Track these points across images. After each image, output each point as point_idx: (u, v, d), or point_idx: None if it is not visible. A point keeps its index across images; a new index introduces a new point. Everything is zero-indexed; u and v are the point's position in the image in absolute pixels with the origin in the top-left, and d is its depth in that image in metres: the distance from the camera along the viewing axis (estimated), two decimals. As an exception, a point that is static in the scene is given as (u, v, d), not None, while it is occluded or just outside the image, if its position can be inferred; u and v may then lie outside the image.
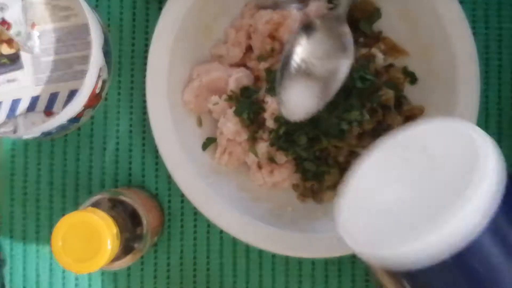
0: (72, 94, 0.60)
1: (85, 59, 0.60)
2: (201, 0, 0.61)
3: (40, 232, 0.65)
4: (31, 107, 0.60)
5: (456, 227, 0.38)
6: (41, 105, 0.60)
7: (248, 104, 0.61)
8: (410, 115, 0.61)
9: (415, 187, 0.42)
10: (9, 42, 0.60)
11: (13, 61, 0.60)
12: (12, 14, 0.60)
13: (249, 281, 0.64)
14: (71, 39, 0.60)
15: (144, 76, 0.61)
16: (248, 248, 0.64)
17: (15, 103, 0.60)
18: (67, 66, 0.60)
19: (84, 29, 0.60)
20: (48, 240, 0.64)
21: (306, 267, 0.64)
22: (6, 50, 0.60)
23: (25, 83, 0.60)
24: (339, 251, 0.59)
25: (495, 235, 0.38)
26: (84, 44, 0.60)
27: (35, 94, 0.60)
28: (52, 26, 0.60)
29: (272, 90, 0.60)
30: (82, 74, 0.60)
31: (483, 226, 0.38)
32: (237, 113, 0.61)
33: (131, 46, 0.65)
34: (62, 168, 0.65)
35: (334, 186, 0.61)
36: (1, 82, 0.60)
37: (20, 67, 0.60)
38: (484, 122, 0.63)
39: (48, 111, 0.60)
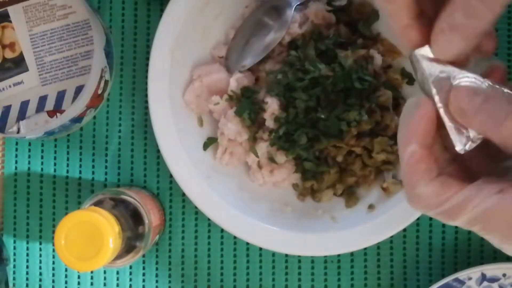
0: (78, 90, 0.60)
1: (88, 54, 0.60)
2: (202, 2, 0.61)
3: (43, 230, 0.65)
4: (40, 107, 0.61)
5: None
6: (50, 104, 0.61)
7: (248, 104, 0.61)
8: (408, 115, 0.61)
9: None
10: (12, 46, 0.61)
11: (18, 64, 0.61)
12: None
13: (249, 279, 0.64)
14: (72, 37, 0.61)
15: (145, 77, 0.61)
16: (248, 247, 0.64)
17: (24, 105, 0.61)
18: (72, 63, 0.61)
19: (84, 25, 0.61)
20: (51, 239, 0.65)
21: (306, 265, 0.64)
22: (9, 54, 0.61)
23: (31, 85, 0.61)
24: (338, 249, 0.60)
25: None
26: (86, 40, 0.61)
27: (42, 94, 0.61)
28: (52, 25, 0.61)
29: (272, 90, 0.61)
30: (87, 69, 0.60)
31: None
32: (238, 113, 0.61)
33: (133, 47, 0.65)
34: (64, 167, 0.65)
35: (333, 186, 0.62)
36: (8, 85, 0.60)
37: (25, 69, 0.61)
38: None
39: (54, 111, 0.61)
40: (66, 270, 0.65)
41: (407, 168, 0.38)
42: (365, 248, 0.63)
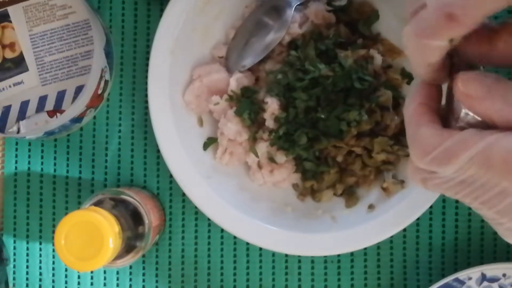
0: (78, 90, 0.60)
1: (88, 54, 0.60)
2: (202, 2, 0.61)
3: (43, 230, 0.65)
4: (40, 107, 0.60)
5: None
6: (50, 104, 0.60)
7: (248, 104, 0.61)
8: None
9: None
10: (12, 46, 0.61)
11: (18, 64, 0.61)
12: None
13: (249, 280, 0.64)
14: (72, 37, 0.61)
15: (145, 77, 0.61)
16: (248, 247, 0.64)
17: (24, 105, 0.61)
18: (72, 63, 0.61)
19: (84, 24, 0.61)
20: (51, 239, 0.65)
21: (306, 265, 0.64)
22: (9, 54, 0.61)
23: (31, 84, 0.61)
24: (338, 249, 0.60)
25: None
26: (86, 39, 0.61)
27: (42, 94, 0.61)
28: (52, 25, 0.61)
29: (272, 90, 0.61)
30: (87, 69, 0.60)
31: None
32: (238, 113, 0.61)
33: (133, 47, 0.65)
34: (64, 167, 0.65)
35: (333, 186, 0.62)
36: (8, 86, 0.60)
37: (25, 69, 0.61)
38: (481, 122, 0.64)
39: (54, 111, 0.61)
40: (66, 270, 0.65)
41: (413, 117, 0.40)
42: (365, 248, 0.63)
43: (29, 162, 0.65)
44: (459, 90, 0.37)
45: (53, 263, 0.65)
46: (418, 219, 0.59)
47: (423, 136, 0.38)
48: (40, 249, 0.65)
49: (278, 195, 0.63)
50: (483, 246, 0.63)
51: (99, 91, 0.61)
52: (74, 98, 0.60)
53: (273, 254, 0.64)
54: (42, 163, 0.65)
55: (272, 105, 0.60)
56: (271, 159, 0.61)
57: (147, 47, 0.65)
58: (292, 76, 0.60)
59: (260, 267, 0.64)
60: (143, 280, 0.65)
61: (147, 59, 0.62)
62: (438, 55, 0.38)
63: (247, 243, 0.64)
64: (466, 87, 0.37)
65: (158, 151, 0.63)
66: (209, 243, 0.65)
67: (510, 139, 0.35)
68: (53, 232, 0.64)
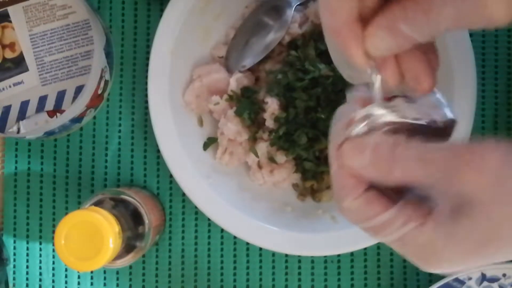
0: (78, 90, 0.60)
1: (88, 54, 0.60)
2: (202, 2, 0.61)
3: (43, 230, 0.65)
4: (40, 107, 0.61)
5: None
6: (50, 104, 0.61)
7: (248, 104, 0.61)
8: (408, 115, 0.61)
9: None
10: (12, 46, 0.61)
11: (18, 64, 0.61)
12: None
13: (249, 279, 0.64)
14: (72, 37, 0.61)
15: (145, 77, 0.61)
16: (248, 247, 0.64)
17: (24, 105, 0.61)
18: (72, 63, 0.61)
19: (84, 25, 0.61)
20: (51, 239, 0.65)
21: (306, 265, 0.64)
22: (9, 54, 0.61)
23: (31, 85, 0.61)
24: (338, 249, 0.60)
25: None
26: (86, 39, 0.61)
27: (42, 94, 0.61)
28: (52, 25, 0.61)
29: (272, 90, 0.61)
30: (87, 69, 0.60)
31: None
32: (238, 113, 0.61)
33: (133, 47, 0.65)
34: (64, 167, 0.65)
35: (333, 186, 0.62)
36: (8, 86, 0.61)
37: (25, 69, 0.61)
38: (480, 123, 0.63)
39: (54, 111, 0.61)
40: (66, 270, 0.65)
41: (336, 180, 0.39)
42: (365, 248, 0.63)
43: (29, 162, 0.65)
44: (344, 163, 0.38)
45: (53, 263, 0.65)
46: (418, 219, 0.59)
47: (349, 208, 0.38)
48: (40, 249, 0.65)
49: (278, 195, 0.63)
50: (483, 246, 0.63)
51: (99, 91, 0.61)
52: (74, 98, 0.60)
53: (273, 254, 0.64)
54: (42, 163, 0.65)
55: (272, 105, 0.60)
56: (271, 159, 0.61)
57: (147, 47, 0.65)
58: (292, 76, 0.60)
59: (260, 267, 0.64)
60: (143, 280, 0.65)
61: (147, 59, 0.62)
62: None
63: (247, 243, 0.64)
64: (348, 160, 0.37)
65: (158, 151, 0.63)
66: (209, 243, 0.65)
67: (420, 232, 0.36)
68: (53, 232, 0.64)
